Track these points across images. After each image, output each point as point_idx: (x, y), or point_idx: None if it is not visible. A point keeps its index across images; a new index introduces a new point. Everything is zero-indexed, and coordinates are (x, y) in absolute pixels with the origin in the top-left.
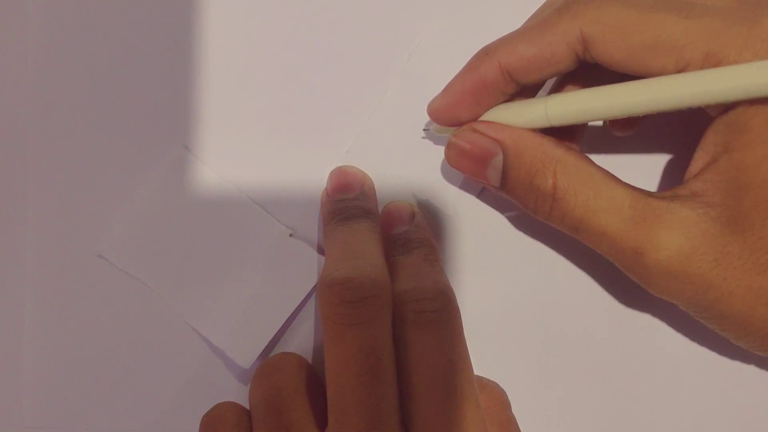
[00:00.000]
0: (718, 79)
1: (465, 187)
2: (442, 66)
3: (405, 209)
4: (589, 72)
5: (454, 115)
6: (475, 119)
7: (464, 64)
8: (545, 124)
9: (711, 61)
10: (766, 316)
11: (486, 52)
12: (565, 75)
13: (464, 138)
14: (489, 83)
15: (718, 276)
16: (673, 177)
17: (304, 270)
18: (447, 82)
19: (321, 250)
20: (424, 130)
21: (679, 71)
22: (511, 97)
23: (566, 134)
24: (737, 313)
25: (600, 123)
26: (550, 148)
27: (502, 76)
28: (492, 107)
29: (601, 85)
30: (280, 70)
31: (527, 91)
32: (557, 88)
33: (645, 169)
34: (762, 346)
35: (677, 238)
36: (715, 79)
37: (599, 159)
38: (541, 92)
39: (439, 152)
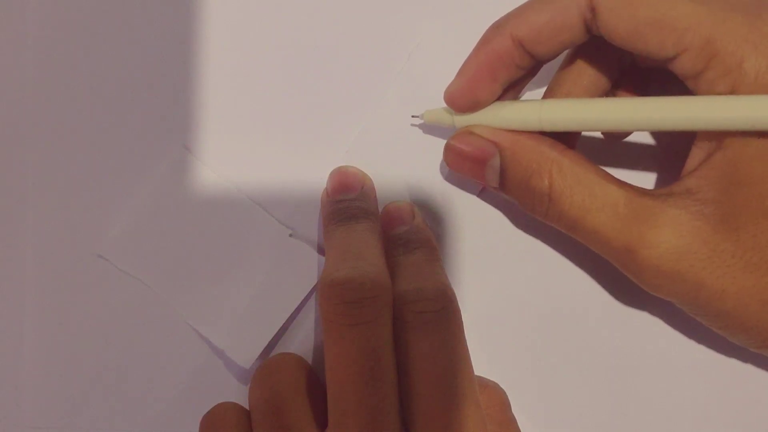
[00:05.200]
0: (710, 108)
1: (465, 186)
2: (442, 66)
3: (405, 209)
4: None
5: (473, 95)
6: (493, 99)
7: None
8: (537, 128)
9: (710, 48)
10: (759, 313)
11: (497, 25)
12: (565, 75)
13: (461, 141)
14: (503, 55)
15: (711, 274)
16: (672, 174)
17: (304, 270)
18: (446, 83)
19: (321, 250)
20: (412, 116)
21: (677, 54)
22: (526, 72)
23: (563, 133)
24: (731, 311)
25: None
26: (546, 149)
27: (515, 47)
28: (509, 83)
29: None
30: (280, 71)
31: (540, 67)
32: (555, 88)
33: (643, 167)
34: (756, 342)
35: (669, 237)
36: (706, 108)
37: (597, 157)
38: (540, 93)
39: (439, 152)
